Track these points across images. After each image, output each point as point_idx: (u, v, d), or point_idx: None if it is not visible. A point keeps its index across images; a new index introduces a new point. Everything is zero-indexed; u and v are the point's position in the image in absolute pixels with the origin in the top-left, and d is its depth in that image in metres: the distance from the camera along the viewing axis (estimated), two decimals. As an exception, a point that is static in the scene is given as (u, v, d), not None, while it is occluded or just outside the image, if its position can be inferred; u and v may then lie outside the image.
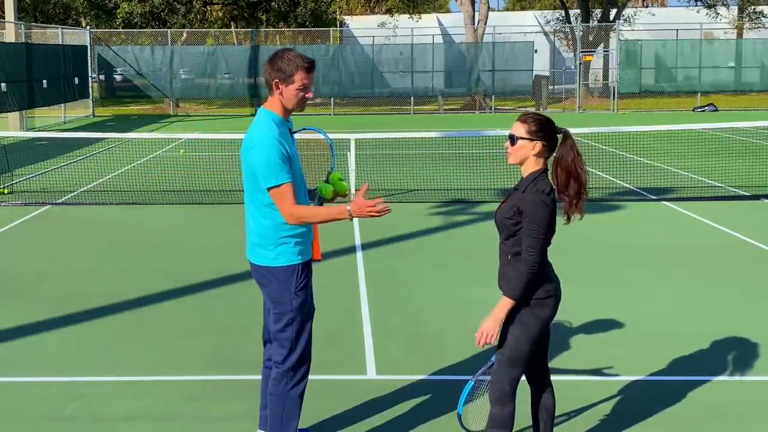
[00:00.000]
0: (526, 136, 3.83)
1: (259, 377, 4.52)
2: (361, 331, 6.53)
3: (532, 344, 3.85)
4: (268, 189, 3.93)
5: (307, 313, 4.14)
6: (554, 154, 3.87)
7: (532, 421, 4.16)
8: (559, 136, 3.88)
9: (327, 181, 4.36)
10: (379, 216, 3.89)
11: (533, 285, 3.78)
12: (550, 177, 3.87)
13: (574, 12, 40.17)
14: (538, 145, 3.83)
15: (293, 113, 4.12)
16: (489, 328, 3.76)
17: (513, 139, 3.87)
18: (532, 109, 32.21)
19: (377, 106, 33.10)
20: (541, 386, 4.11)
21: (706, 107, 31.05)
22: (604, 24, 36.63)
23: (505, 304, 3.75)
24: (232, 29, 44.48)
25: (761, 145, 19.08)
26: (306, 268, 4.12)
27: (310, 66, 3.97)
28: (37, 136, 19.58)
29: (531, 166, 3.86)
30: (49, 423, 4.93)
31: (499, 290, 3.97)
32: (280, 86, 3.98)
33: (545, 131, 3.83)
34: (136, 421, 4.93)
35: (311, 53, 31.98)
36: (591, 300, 7.24)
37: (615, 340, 6.29)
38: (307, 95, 4.02)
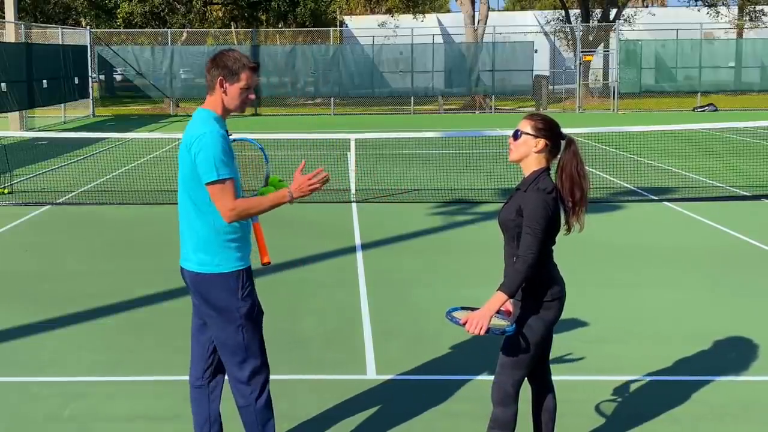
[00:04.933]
0: (531, 132, 3.83)
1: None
2: (361, 331, 6.53)
3: (536, 347, 3.85)
4: (209, 184, 3.76)
5: (257, 319, 3.97)
6: (558, 160, 3.87)
7: (533, 422, 4.15)
8: (563, 141, 3.87)
9: (266, 185, 4.19)
10: (320, 187, 3.85)
11: (542, 285, 3.78)
12: (557, 182, 3.85)
13: (574, 12, 40.18)
14: (541, 143, 3.82)
15: (241, 115, 4.04)
16: (478, 318, 3.67)
17: (516, 134, 3.86)
18: (532, 109, 32.23)
19: (377, 106, 33.11)
20: (542, 387, 4.10)
21: (706, 107, 31.06)
22: (604, 24, 36.63)
23: (499, 298, 3.67)
24: (232, 29, 44.49)
25: (761, 145, 19.08)
26: (250, 272, 3.98)
27: (255, 66, 3.90)
28: (37, 136, 19.60)
29: (532, 165, 3.85)
30: (48, 423, 4.93)
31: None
32: (224, 84, 3.85)
33: (550, 130, 3.84)
34: (136, 421, 4.93)
35: (311, 53, 32.03)
36: (591, 300, 7.24)
37: (615, 340, 6.29)
38: (250, 96, 3.93)
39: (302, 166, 3.93)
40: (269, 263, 4.24)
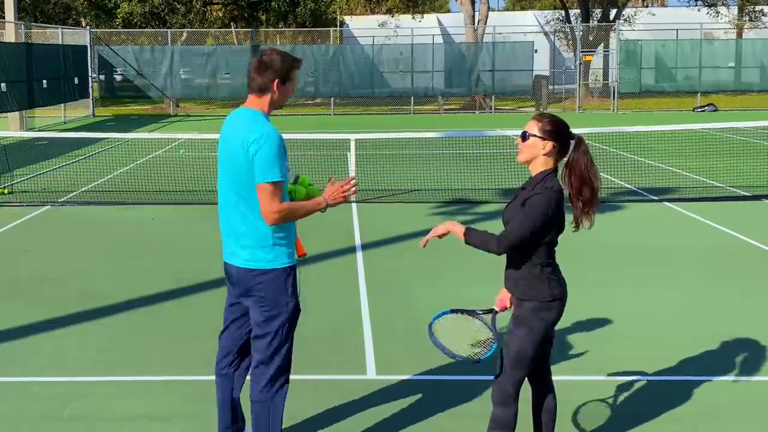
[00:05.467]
0: (539, 134, 3.83)
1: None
2: (361, 331, 6.53)
3: (537, 347, 3.85)
4: (262, 184, 3.83)
5: (297, 317, 4.10)
6: (566, 159, 3.87)
7: (533, 422, 4.15)
8: (572, 141, 3.87)
9: (294, 183, 4.25)
10: (351, 192, 4.05)
11: (543, 285, 3.79)
12: (560, 180, 3.86)
13: (574, 12, 40.17)
14: (549, 145, 3.82)
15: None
16: (443, 225, 3.88)
17: (525, 135, 3.87)
18: (533, 110, 32.23)
19: (377, 106, 33.10)
20: (542, 387, 4.10)
21: (706, 107, 31.06)
22: (604, 24, 36.62)
23: (458, 231, 3.83)
24: (232, 29, 44.50)
25: (761, 145, 19.08)
26: (296, 270, 4.10)
27: (299, 63, 4.07)
28: (37, 136, 19.60)
29: (540, 166, 3.85)
30: (48, 423, 4.93)
31: (506, 291, 3.98)
32: (279, 86, 3.97)
33: (559, 132, 3.83)
34: (136, 421, 4.93)
35: (311, 53, 32.03)
36: (591, 300, 7.24)
37: (615, 340, 6.29)
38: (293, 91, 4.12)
39: (332, 181, 4.08)
40: (305, 255, 4.37)
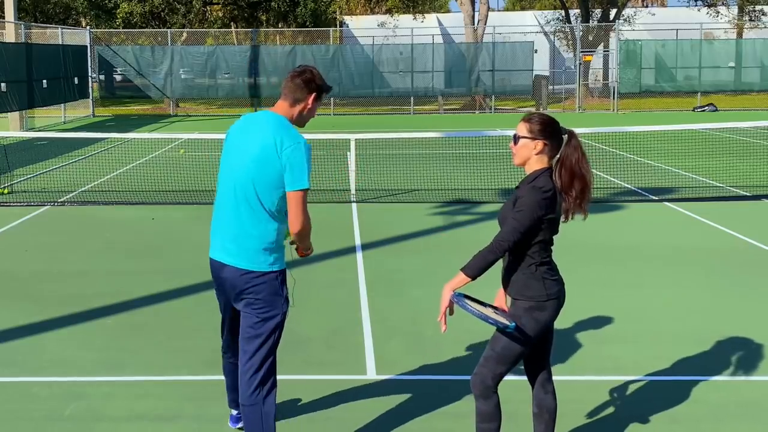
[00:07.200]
0: (528, 135, 3.84)
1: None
2: (361, 331, 6.53)
3: (526, 345, 3.85)
4: (294, 191, 3.87)
5: (285, 321, 4.12)
6: (558, 154, 3.87)
7: (533, 422, 4.15)
8: (564, 136, 3.88)
9: None
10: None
11: (537, 283, 3.79)
12: (555, 177, 3.86)
13: (574, 12, 40.17)
14: (540, 144, 3.83)
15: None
16: (442, 295, 3.79)
17: (516, 138, 3.88)
18: (533, 109, 32.23)
19: (377, 106, 33.11)
20: (542, 387, 4.10)
21: (706, 107, 31.07)
22: (604, 24, 36.63)
23: (460, 278, 3.75)
24: (232, 29, 44.50)
25: (761, 145, 19.08)
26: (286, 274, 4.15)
27: (330, 90, 4.17)
28: (37, 136, 19.61)
29: (534, 165, 3.86)
30: (49, 423, 4.93)
31: (503, 291, 3.98)
32: (313, 101, 4.05)
33: (548, 131, 3.84)
34: (136, 421, 4.93)
35: (311, 53, 32.05)
36: (591, 300, 7.24)
37: (615, 340, 6.29)
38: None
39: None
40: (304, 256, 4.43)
